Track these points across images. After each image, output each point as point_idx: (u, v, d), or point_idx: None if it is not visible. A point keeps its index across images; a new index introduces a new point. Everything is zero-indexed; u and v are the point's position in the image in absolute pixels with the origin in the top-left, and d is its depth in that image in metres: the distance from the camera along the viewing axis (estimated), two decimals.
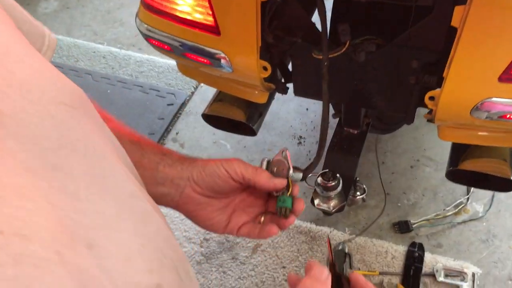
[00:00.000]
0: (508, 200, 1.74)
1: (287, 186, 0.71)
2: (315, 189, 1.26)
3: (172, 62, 2.37)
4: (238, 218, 0.74)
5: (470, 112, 0.99)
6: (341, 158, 1.32)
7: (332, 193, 1.20)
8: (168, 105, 2.18)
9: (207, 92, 2.25)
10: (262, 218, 0.75)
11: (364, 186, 1.32)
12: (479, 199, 1.75)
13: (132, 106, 2.18)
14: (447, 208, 1.73)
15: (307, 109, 2.13)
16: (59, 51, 2.47)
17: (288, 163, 0.72)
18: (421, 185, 1.83)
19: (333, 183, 1.19)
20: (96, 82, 2.29)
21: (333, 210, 1.23)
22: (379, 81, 1.15)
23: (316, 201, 1.25)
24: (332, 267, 0.67)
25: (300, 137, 2.04)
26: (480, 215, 1.71)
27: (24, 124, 0.34)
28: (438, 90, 1.01)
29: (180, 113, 2.18)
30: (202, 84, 2.28)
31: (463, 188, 1.78)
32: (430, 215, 1.72)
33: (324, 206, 1.23)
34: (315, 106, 2.11)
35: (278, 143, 2.02)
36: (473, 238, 1.67)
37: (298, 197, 0.73)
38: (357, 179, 1.31)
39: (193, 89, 2.25)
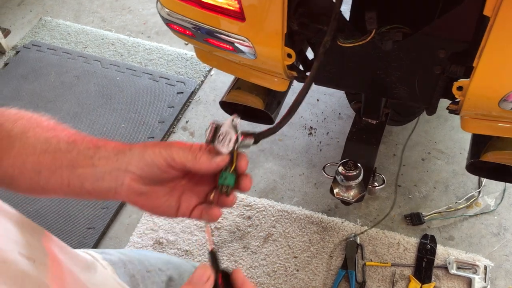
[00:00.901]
0: None
1: (231, 161, 0.64)
2: (334, 178, 1.25)
3: (181, 51, 2.35)
4: (188, 200, 0.70)
5: (499, 103, 0.99)
6: (360, 148, 1.31)
7: (353, 183, 1.20)
8: (178, 93, 2.16)
9: (216, 81, 2.24)
10: (212, 195, 0.69)
11: (383, 177, 1.32)
12: (490, 193, 1.75)
13: (142, 93, 2.17)
14: (459, 201, 1.74)
15: (317, 100, 2.12)
16: (67, 37, 2.45)
17: (235, 133, 0.63)
18: (433, 178, 1.83)
19: (355, 173, 1.18)
20: (105, 68, 2.27)
21: (353, 200, 1.23)
22: (403, 71, 1.14)
23: (336, 190, 1.24)
24: (214, 259, 0.64)
25: (311, 127, 2.03)
26: (492, 208, 1.71)
27: None
28: (466, 80, 1.00)
29: (190, 102, 2.17)
30: (212, 73, 2.27)
31: (475, 181, 1.79)
32: (442, 207, 1.72)
33: (344, 196, 1.22)
34: (325, 97, 2.10)
35: (288, 134, 2.02)
36: (485, 231, 1.67)
37: (249, 172, 0.66)
38: (376, 169, 1.31)
39: (203, 78, 2.24)
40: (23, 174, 0.67)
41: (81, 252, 0.83)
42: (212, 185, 0.70)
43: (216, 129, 0.64)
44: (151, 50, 2.36)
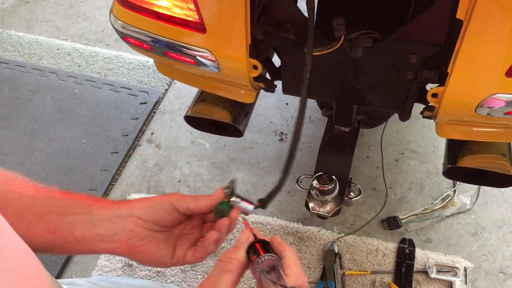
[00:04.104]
0: (494, 191, 1.72)
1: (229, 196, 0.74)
2: (309, 192, 1.20)
3: (143, 58, 2.25)
4: (181, 246, 0.74)
5: (475, 109, 0.95)
6: (334, 159, 1.26)
7: (329, 197, 1.14)
8: (141, 103, 2.07)
9: (181, 89, 2.16)
10: (199, 243, 0.75)
11: (359, 187, 1.27)
12: (465, 191, 1.73)
13: (103, 106, 2.06)
14: (435, 202, 1.71)
15: (287, 103, 2.06)
16: (20, 49, 2.31)
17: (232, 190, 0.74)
18: (407, 179, 1.80)
19: (330, 187, 1.13)
20: (62, 81, 2.15)
21: (329, 215, 1.17)
22: (375, 77, 1.09)
23: (311, 205, 1.19)
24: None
25: (282, 133, 1.97)
26: (468, 207, 1.69)
27: None
28: (441, 87, 0.95)
29: (155, 112, 2.08)
30: (176, 81, 2.18)
31: (449, 180, 1.76)
32: (418, 209, 1.69)
33: (320, 211, 1.17)
34: (295, 101, 2.04)
35: (258, 141, 1.95)
36: (462, 231, 1.65)
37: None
38: (351, 179, 1.25)
39: (166, 86, 2.15)
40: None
41: None
42: (200, 233, 0.76)
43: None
44: (110, 59, 2.25)
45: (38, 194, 0.66)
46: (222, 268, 0.62)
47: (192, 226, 0.76)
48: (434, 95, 0.97)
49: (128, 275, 1.59)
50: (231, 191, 0.74)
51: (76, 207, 0.65)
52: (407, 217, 1.67)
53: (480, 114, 0.96)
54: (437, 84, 0.99)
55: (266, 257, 0.60)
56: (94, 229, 0.65)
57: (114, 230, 0.66)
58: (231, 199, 0.74)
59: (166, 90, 2.15)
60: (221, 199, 0.73)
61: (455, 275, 1.52)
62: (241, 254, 0.63)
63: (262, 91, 1.29)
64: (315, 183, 1.14)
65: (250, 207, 0.75)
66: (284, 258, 0.62)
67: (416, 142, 1.89)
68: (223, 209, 0.72)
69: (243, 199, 0.74)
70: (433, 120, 1.09)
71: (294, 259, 0.62)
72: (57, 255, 1.63)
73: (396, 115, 1.84)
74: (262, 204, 0.74)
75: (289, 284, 0.57)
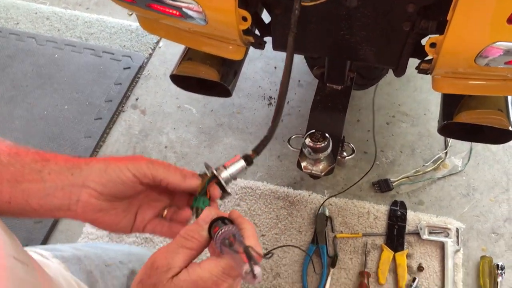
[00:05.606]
0: (485, 153, 1.71)
1: (205, 190, 0.67)
2: (301, 151, 1.16)
3: (126, 22, 2.17)
4: (143, 214, 0.70)
5: (475, 59, 0.91)
6: (326, 117, 1.22)
7: (322, 155, 1.11)
8: (125, 68, 2.00)
9: (166, 54, 2.08)
10: (165, 212, 0.71)
11: (352, 146, 1.23)
12: (457, 153, 1.71)
13: (85, 71, 1.99)
14: (426, 164, 1.69)
15: (275, 67, 2.01)
16: None
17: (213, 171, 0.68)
18: (398, 142, 1.77)
19: (323, 144, 1.09)
20: (41, 46, 2.06)
21: (322, 174, 1.14)
22: (369, 30, 1.04)
23: (304, 164, 1.15)
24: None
25: (270, 97, 1.92)
26: (460, 169, 1.67)
27: None
28: (440, 36, 0.91)
29: (139, 77, 2.01)
30: (160, 45, 2.11)
31: (441, 142, 1.74)
32: (410, 172, 1.67)
33: (312, 169, 1.13)
34: (283, 64, 1.98)
35: (247, 105, 1.90)
36: (454, 193, 1.63)
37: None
38: (344, 138, 1.22)
39: (151, 51, 2.08)
40: None
41: (30, 252, 0.75)
42: (167, 202, 0.72)
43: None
44: (91, 23, 2.17)
45: None
46: (182, 244, 0.58)
47: (159, 192, 0.71)
48: (433, 45, 0.93)
49: (115, 242, 1.56)
50: (210, 172, 0.68)
51: (25, 173, 0.60)
52: (399, 179, 1.65)
53: (480, 64, 0.92)
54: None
55: (227, 228, 0.57)
56: (49, 198, 0.61)
57: (69, 200, 0.61)
58: (216, 169, 0.68)
59: (150, 55, 2.08)
60: (196, 183, 0.66)
61: (447, 236, 1.51)
62: (204, 234, 0.59)
63: (252, 55, 1.23)
64: (307, 141, 1.10)
65: (240, 164, 0.69)
66: (243, 230, 0.59)
67: (407, 105, 1.86)
68: (200, 209, 0.66)
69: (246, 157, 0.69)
70: (429, 74, 1.05)
71: (252, 232, 0.59)
72: (40, 223, 1.58)
73: (387, 77, 1.81)
74: (255, 153, 0.69)
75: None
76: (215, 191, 0.68)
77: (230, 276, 0.56)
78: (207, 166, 0.67)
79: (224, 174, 0.66)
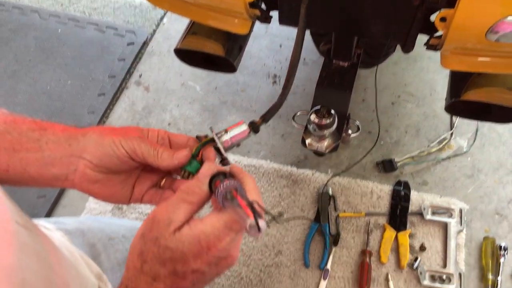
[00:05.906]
0: (491, 134, 1.69)
1: (198, 152, 0.67)
2: (305, 128, 1.14)
3: None
4: (141, 186, 0.70)
5: (486, 34, 0.89)
6: (332, 94, 1.20)
7: (327, 132, 1.09)
8: (128, 44, 1.98)
9: (170, 30, 2.06)
10: (163, 182, 0.72)
11: (358, 123, 1.22)
12: (462, 134, 1.69)
13: (88, 46, 1.97)
14: (431, 145, 1.68)
15: (280, 45, 1.98)
16: None
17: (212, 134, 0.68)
18: (403, 122, 1.76)
19: (328, 121, 1.08)
20: (44, 20, 2.04)
21: (326, 150, 1.13)
22: (378, 4, 1.02)
23: (308, 141, 1.14)
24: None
25: (275, 75, 1.90)
26: (465, 150, 1.66)
27: None
28: (450, 10, 0.89)
29: (142, 53, 1.99)
30: (164, 21, 2.08)
31: (446, 123, 1.73)
32: (414, 152, 1.66)
33: (317, 146, 1.12)
34: (289, 43, 1.96)
35: (251, 83, 1.89)
36: (458, 174, 1.62)
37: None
38: (349, 115, 1.20)
39: (155, 27, 2.05)
40: None
41: None
42: (165, 172, 0.71)
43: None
44: None
45: None
46: (183, 198, 0.57)
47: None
48: (443, 19, 0.91)
49: (118, 218, 1.56)
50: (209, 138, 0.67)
51: (23, 141, 0.60)
52: (403, 159, 1.64)
53: (490, 40, 0.90)
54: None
55: (228, 182, 0.56)
56: (47, 167, 0.61)
57: (67, 170, 0.62)
58: (217, 133, 0.67)
59: (154, 31, 2.05)
60: (184, 163, 0.65)
61: (450, 216, 1.50)
62: (204, 189, 0.59)
63: (257, 31, 1.21)
64: (313, 117, 1.08)
65: (242, 128, 0.68)
66: (244, 184, 0.59)
67: (413, 85, 1.84)
68: (188, 172, 0.66)
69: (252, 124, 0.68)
70: (438, 50, 1.03)
71: (253, 185, 0.59)
72: (44, 198, 1.58)
73: (392, 59, 1.78)
74: (263, 120, 0.68)
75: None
76: (210, 153, 0.67)
77: (232, 230, 0.55)
78: (212, 130, 0.66)
79: (224, 138, 0.65)
